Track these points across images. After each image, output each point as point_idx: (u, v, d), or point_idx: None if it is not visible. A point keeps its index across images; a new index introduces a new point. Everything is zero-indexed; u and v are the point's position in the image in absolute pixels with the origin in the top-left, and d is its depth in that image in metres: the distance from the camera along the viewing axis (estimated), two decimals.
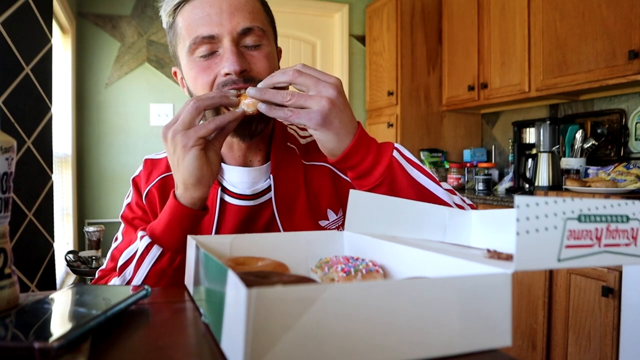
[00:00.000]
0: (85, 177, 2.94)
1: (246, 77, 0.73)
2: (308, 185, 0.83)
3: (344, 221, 0.82)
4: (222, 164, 0.83)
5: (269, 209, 0.81)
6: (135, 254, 0.68)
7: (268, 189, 0.81)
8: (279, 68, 0.82)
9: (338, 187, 0.84)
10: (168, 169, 0.84)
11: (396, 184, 0.67)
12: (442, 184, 0.76)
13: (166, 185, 0.83)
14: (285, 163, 0.83)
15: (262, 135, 0.83)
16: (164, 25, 0.81)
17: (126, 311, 0.45)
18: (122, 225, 0.85)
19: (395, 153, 0.68)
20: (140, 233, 0.69)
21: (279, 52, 0.85)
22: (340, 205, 0.83)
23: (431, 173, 0.72)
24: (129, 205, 0.85)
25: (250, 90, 0.64)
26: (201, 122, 0.66)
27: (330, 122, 0.62)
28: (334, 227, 0.82)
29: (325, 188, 0.83)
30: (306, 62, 3.50)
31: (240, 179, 0.82)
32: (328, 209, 0.82)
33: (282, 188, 0.81)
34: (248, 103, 0.66)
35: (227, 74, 0.72)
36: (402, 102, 3.05)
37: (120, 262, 0.70)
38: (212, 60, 0.74)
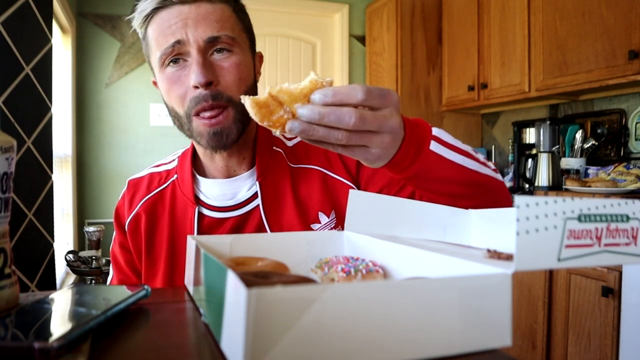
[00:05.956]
0: (85, 177, 2.94)
1: (213, 92, 0.71)
2: (296, 190, 0.80)
3: (337, 223, 0.80)
4: (201, 177, 0.82)
5: (257, 217, 0.79)
6: None
7: (254, 197, 0.79)
8: (254, 76, 0.79)
9: (330, 188, 0.81)
10: (150, 189, 0.84)
11: (432, 176, 0.61)
12: (480, 156, 0.69)
13: (155, 206, 0.82)
14: (271, 169, 0.81)
15: (244, 142, 0.80)
16: (139, 35, 0.79)
17: (126, 311, 0.45)
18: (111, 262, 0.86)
19: (433, 146, 0.59)
20: None
21: (258, 57, 0.83)
22: (333, 207, 0.80)
23: (474, 154, 0.66)
24: (115, 242, 0.86)
25: (295, 124, 0.49)
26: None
27: (387, 156, 0.55)
28: (327, 229, 0.80)
29: (315, 191, 0.80)
30: (306, 63, 3.52)
31: (221, 191, 0.80)
32: (319, 212, 0.80)
33: (270, 194, 0.79)
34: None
35: (195, 87, 0.71)
36: (402, 102, 3.05)
37: None
38: (182, 72, 0.73)
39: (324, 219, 0.80)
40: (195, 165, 0.84)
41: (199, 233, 0.78)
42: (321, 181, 0.81)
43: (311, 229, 0.79)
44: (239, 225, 0.79)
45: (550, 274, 1.87)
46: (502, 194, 0.70)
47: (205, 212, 0.79)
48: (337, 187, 0.81)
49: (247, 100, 0.50)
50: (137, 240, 0.82)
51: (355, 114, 0.48)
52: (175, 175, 0.84)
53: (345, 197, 0.79)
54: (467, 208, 0.70)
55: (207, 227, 0.79)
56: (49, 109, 1.59)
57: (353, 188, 0.80)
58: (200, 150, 0.83)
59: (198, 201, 0.80)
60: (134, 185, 0.86)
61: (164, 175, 0.85)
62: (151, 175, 0.86)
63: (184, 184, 0.82)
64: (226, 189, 0.80)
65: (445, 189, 0.64)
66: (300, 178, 0.82)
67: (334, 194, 0.81)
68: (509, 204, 0.71)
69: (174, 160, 0.88)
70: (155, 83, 0.83)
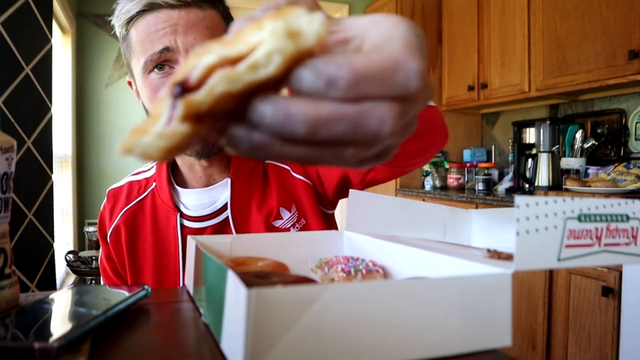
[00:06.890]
0: (85, 177, 2.94)
1: None
2: (264, 190, 0.79)
3: (299, 217, 0.78)
4: (180, 188, 0.81)
5: (229, 223, 0.78)
6: None
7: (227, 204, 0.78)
8: None
9: (285, 182, 0.80)
10: (129, 199, 0.82)
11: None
12: None
13: (135, 216, 0.81)
14: (246, 168, 0.80)
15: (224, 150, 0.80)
16: (117, 34, 0.75)
17: (126, 311, 0.45)
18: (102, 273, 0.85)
19: None
20: None
21: None
22: (292, 201, 0.79)
23: None
24: (102, 252, 0.85)
25: (242, 135, 0.24)
26: None
27: None
28: (290, 225, 0.78)
29: (274, 187, 0.79)
30: None
31: (200, 200, 0.79)
32: (281, 208, 0.78)
33: (239, 197, 0.78)
34: None
35: None
36: None
37: None
38: (167, 80, 0.69)
39: (285, 214, 0.78)
40: (173, 174, 0.83)
41: (181, 242, 0.77)
42: (277, 175, 0.80)
43: (274, 227, 0.77)
44: (218, 233, 0.77)
45: (550, 274, 1.87)
46: (439, 122, 0.63)
47: (186, 222, 0.78)
48: (291, 181, 0.79)
49: (152, 154, 0.24)
50: (119, 251, 0.81)
51: (391, 112, 0.23)
52: (154, 184, 0.83)
53: (300, 191, 0.79)
54: (413, 158, 0.66)
55: (186, 237, 0.77)
56: (49, 109, 1.59)
57: (306, 183, 0.79)
58: (179, 160, 0.82)
59: (178, 210, 0.79)
60: (114, 195, 0.85)
61: (144, 184, 0.84)
62: (130, 184, 0.85)
63: (162, 192, 0.80)
64: (205, 197, 0.79)
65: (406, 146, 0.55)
66: (269, 175, 0.80)
67: (289, 188, 0.79)
68: (445, 131, 0.66)
69: (152, 167, 0.86)
70: (130, 83, 0.79)
